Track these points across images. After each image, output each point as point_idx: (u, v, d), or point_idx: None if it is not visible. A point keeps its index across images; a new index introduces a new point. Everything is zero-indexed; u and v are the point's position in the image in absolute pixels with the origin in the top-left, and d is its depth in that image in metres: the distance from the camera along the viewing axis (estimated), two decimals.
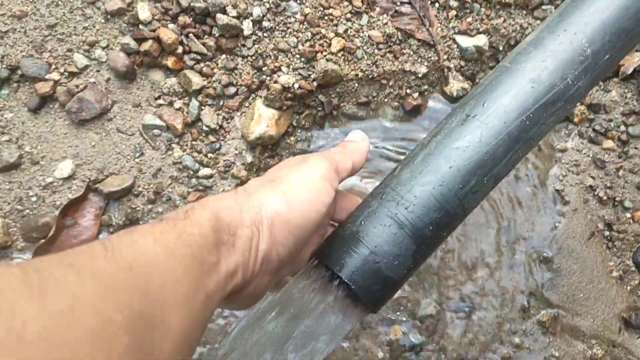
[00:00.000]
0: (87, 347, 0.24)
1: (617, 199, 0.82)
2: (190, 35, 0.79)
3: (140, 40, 0.79)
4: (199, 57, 0.80)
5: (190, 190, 0.79)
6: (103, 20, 0.79)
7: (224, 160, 0.79)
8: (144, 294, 0.29)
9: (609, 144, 0.84)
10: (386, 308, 0.78)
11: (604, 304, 0.80)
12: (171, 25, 0.79)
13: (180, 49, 0.79)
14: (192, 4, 0.78)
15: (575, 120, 0.85)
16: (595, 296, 0.80)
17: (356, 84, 0.82)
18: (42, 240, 0.74)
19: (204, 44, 0.80)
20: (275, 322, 0.46)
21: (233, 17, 0.79)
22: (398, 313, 0.79)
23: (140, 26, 0.79)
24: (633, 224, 0.82)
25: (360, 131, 0.50)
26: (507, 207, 0.82)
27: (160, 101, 0.80)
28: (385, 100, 0.84)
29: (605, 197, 0.83)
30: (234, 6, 0.80)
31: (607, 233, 0.82)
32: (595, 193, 0.83)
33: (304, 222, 0.41)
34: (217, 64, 0.80)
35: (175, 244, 0.33)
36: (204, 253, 0.35)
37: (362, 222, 0.44)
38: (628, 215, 0.82)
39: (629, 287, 0.81)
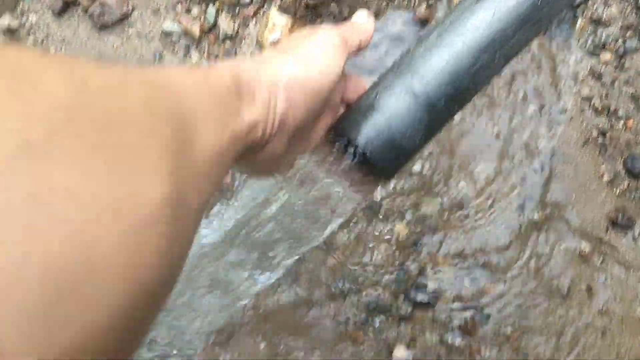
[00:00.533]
0: (139, 115, 0.24)
1: (612, 108, 0.88)
2: None
3: None
4: None
5: None
6: None
7: None
8: (177, 105, 0.29)
9: (606, 56, 0.89)
10: (389, 204, 0.84)
11: (594, 206, 0.86)
12: None
13: None
14: None
15: (576, 33, 0.89)
16: (586, 198, 0.86)
17: None
18: None
19: None
20: (289, 193, 0.51)
21: None
22: (401, 211, 0.85)
23: None
24: (625, 132, 0.88)
25: (365, 10, 0.51)
26: (507, 113, 0.87)
27: (179, 8, 0.83)
28: (394, 4, 0.88)
29: (600, 107, 0.88)
30: None
31: (600, 140, 0.87)
32: (592, 103, 0.88)
33: (318, 86, 0.43)
34: None
35: (204, 80, 0.34)
36: (228, 97, 0.36)
37: (377, 94, 0.48)
38: (621, 123, 0.88)
39: (617, 190, 0.87)
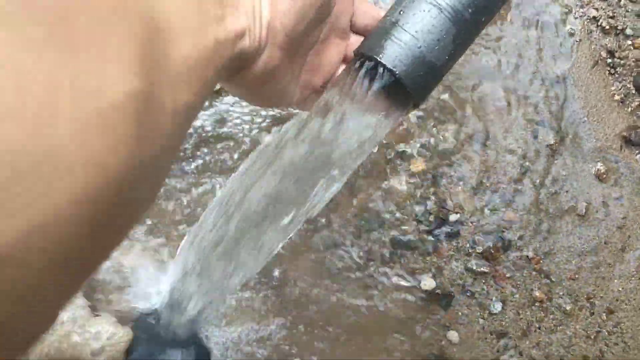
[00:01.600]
0: (105, 10, 0.23)
1: (619, 27, 0.89)
2: None
3: None
4: None
5: None
6: None
7: None
8: (151, 10, 0.27)
9: None
10: (405, 140, 0.87)
11: (606, 126, 0.88)
12: None
13: None
14: None
15: None
16: (599, 119, 0.88)
17: None
18: None
19: None
20: (320, 122, 0.51)
21: None
22: (421, 145, 0.87)
23: None
24: (634, 50, 0.89)
25: None
26: (515, 40, 0.88)
27: None
28: None
29: (607, 27, 0.89)
30: None
31: (609, 60, 0.89)
32: (599, 24, 0.89)
33: (297, 8, 0.41)
34: None
35: None
36: (208, 4, 0.34)
37: (401, 12, 0.46)
38: (629, 42, 0.89)
39: (629, 109, 0.89)
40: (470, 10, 0.46)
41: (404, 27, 0.46)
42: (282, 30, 0.41)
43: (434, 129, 0.87)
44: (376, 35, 0.48)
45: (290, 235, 0.55)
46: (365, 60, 0.48)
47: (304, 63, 0.48)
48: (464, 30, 0.47)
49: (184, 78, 0.30)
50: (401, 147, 0.87)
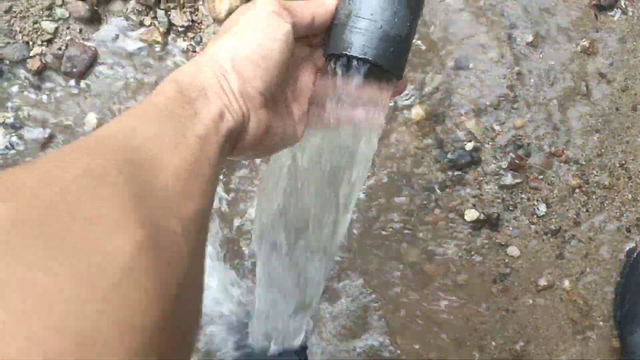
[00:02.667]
0: (80, 181, 0.27)
1: None
2: None
3: None
4: None
5: None
6: None
7: None
8: (129, 148, 0.32)
9: None
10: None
11: (574, 1, 0.90)
12: None
13: None
14: None
15: None
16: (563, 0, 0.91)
17: None
18: None
19: None
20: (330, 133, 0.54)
21: None
22: (412, 96, 0.91)
23: None
24: None
25: None
26: None
27: (132, 26, 0.88)
28: None
29: None
30: None
31: None
32: None
33: (265, 52, 0.43)
34: None
35: (146, 111, 0.36)
36: (177, 109, 0.37)
37: (350, 2, 0.49)
38: None
39: None
40: None
41: (358, 14, 0.48)
42: (256, 94, 0.44)
43: (418, 74, 0.90)
44: (337, 31, 0.50)
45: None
46: (336, 59, 0.50)
47: (287, 99, 0.51)
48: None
49: (180, 192, 0.33)
50: (396, 100, 0.90)
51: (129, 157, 0.31)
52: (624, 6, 0.91)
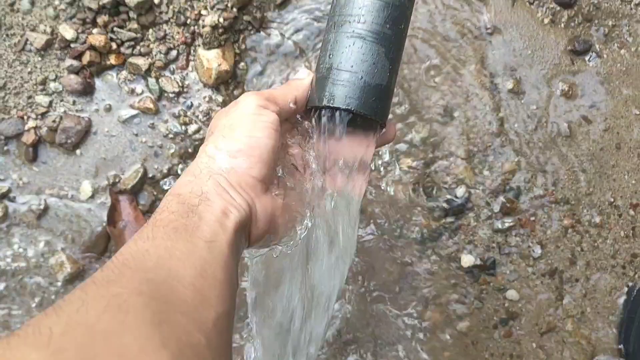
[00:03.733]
0: (103, 318, 0.31)
1: None
2: (115, 29, 0.90)
3: (78, 56, 0.89)
4: (132, 43, 0.91)
5: (189, 149, 0.92)
6: (40, 58, 0.90)
7: (201, 111, 0.92)
8: (145, 269, 0.36)
9: None
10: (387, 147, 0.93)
11: (551, 48, 0.95)
12: (95, 30, 0.89)
13: (114, 45, 0.90)
14: (101, 3, 0.88)
15: None
16: (541, 46, 0.95)
17: None
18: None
19: (129, 30, 0.90)
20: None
21: None
22: (402, 145, 0.93)
23: (72, 45, 0.89)
24: None
25: (305, 69, 0.55)
26: (439, 8, 0.95)
27: (124, 94, 0.91)
28: None
29: None
30: None
31: None
32: None
33: (256, 143, 0.47)
34: (150, 40, 0.91)
35: (154, 231, 0.40)
36: (182, 220, 0.40)
37: (330, 55, 0.51)
38: None
39: (562, 25, 0.95)
40: (388, 26, 0.51)
41: (339, 67, 0.51)
42: (256, 182, 0.47)
43: (405, 128, 0.93)
44: (319, 85, 0.52)
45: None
46: (319, 111, 0.52)
47: (289, 172, 0.53)
48: (391, 44, 0.52)
49: (199, 303, 0.36)
50: (384, 153, 0.93)
51: (146, 277, 0.34)
52: (598, 50, 0.95)
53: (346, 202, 0.56)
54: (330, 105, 0.50)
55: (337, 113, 0.51)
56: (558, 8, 0.95)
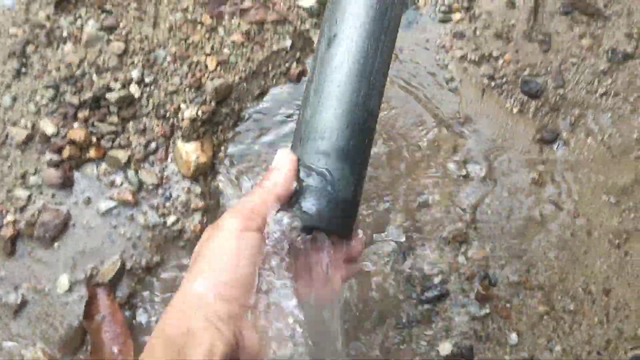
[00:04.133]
0: None
1: (486, 54, 1.00)
2: (95, 123, 0.92)
3: (59, 150, 0.91)
4: (112, 136, 0.93)
5: (167, 240, 0.93)
6: (20, 152, 0.91)
7: (180, 202, 0.93)
8: None
9: (457, 16, 1.01)
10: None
11: (520, 138, 0.99)
12: (76, 124, 0.91)
13: (94, 139, 0.92)
14: (81, 98, 0.91)
15: (423, 11, 1.02)
16: (511, 136, 0.99)
17: (245, 84, 0.97)
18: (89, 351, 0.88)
19: (110, 124, 0.93)
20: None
21: (119, 89, 0.92)
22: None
23: (52, 139, 0.91)
24: (508, 65, 1.00)
25: (281, 151, 0.54)
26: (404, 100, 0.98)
27: (103, 187, 0.93)
28: (274, 82, 0.99)
29: (477, 58, 1.00)
30: (115, 80, 0.92)
31: (493, 84, 1.00)
32: (469, 59, 1.00)
33: (241, 271, 0.47)
34: (130, 132, 0.94)
35: None
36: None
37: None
38: (501, 61, 1.00)
39: (530, 115, 1.00)
40: (352, 142, 0.52)
41: (305, 187, 0.52)
42: (242, 310, 0.47)
43: (382, 213, 0.96)
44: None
45: None
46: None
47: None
48: (355, 158, 0.53)
49: None
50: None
51: None
52: (565, 138, 0.99)
53: (318, 311, 0.57)
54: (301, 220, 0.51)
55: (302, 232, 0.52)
56: (526, 98, 1.00)
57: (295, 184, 0.52)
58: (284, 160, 0.53)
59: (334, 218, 0.53)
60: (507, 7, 1.01)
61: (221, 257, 0.47)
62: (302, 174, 0.52)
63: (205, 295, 0.45)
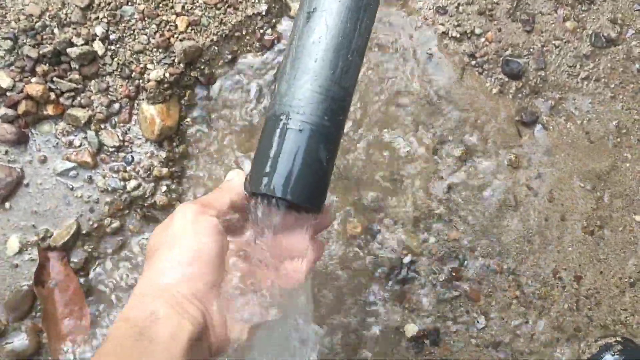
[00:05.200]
0: None
1: (468, 31, 0.98)
2: (55, 78, 0.88)
3: (14, 105, 0.86)
4: (72, 94, 0.89)
5: (127, 205, 0.89)
6: None
7: (142, 167, 0.90)
8: None
9: None
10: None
11: (499, 119, 0.97)
12: (34, 79, 0.87)
13: (52, 95, 0.88)
14: (41, 52, 0.86)
15: None
16: (490, 117, 0.97)
17: (216, 48, 0.93)
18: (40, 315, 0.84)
19: (70, 80, 0.88)
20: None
21: (82, 44, 0.88)
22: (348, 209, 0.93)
23: (8, 93, 0.87)
24: (490, 44, 0.98)
25: (235, 171, 0.56)
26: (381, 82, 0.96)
27: (61, 146, 0.89)
28: (247, 48, 0.95)
29: (458, 35, 0.98)
30: (78, 35, 0.88)
31: (473, 62, 0.98)
32: (450, 35, 0.98)
33: (203, 249, 0.47)
34: (92, 91, 0.89)
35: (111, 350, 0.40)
36: (129, 343, 0.40)
37: (268, 144, 0.52)
38: (482, 39, 0.98)
39: (510, 96, 0.98)
40: (326, 117, 0.52)
41: (277, 158, 0.51)
42: (208, 288, 0.46)
43: (352, 193, 0.93)
44: (257, 170, 0.52)
45: None
46: (257, 198, 0.53)
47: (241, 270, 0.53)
48: (329, 135, 0.53)
49: None
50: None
51: None
52: (545, 122, 0.97)
53: (291, 292, 0.56)
54: (268, 192, 0.51)
55: (274, 201, 0.52)
56: (506, 79, 0.98)
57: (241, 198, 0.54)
58: (236, 174, 0.56)
59: (305, 193, 0.52)
60: None
61: (180, 237, 0.47)
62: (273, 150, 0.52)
63: (167, 277, 0.45)
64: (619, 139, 0.98)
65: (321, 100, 0.52)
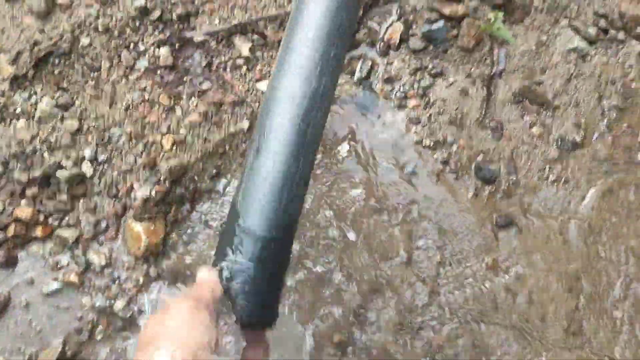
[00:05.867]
0: None
1: (440, 139, 1.04)
2: (43, 200, 0.91)
3: (3, 228, 0.89)
4: (60, 215, 0.92)
5: (114, 323, 0.91)
6: None
7: (128, 284, 0.92)
8: None
9: (412, 102, 1.05)
10: None
11: (476, 222, 1.01)
12: (23, 202, 0.90)
13: (41, 217, 0.91)
14: (31, 176, 0.90)
15: (380, 98, 1.05)
16: (466, 222, 1.01)
17: (201, 164, 0.98)
18: None
19: (59, 202, 0.92)
20: None
21: (71, 167, 0.92)
22: None
23: None
24: (462, 151, 1.04)
25: (204, 267, 0.61)
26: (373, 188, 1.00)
27: (49, 267, 0.91)
28: (230, 163, 1.00)
29: (432, 144, 1.03)
30: (67, 157, 0.92)
31: (448, 168, 1.03)
32: (424, 144, 1.03)
33: (203, 343, 0.50)
34: (80, 210, 0.93)
35: None
36: None
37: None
38: (455, 147, 1.04)
39: (484, 199, 1.03)
40: (273, 245, 0.60)
41: (234, 279, 0.59)
42: None
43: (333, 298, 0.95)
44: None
45: None
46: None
47: None
48: (275, 253, 0.60)
49: None
50: None
51: None
52: (518, 224, 1.01)
53: None
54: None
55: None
56: (480, 183, 1.03)
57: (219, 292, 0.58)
58: (206, 271, 0.59)
59: (255, 314, 0.60)
60: (461, 95, 1.06)
61: (175, 334, 0.50)
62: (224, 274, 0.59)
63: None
64: (592, 238, 1.02)
65: (268, 229, 0.60)
